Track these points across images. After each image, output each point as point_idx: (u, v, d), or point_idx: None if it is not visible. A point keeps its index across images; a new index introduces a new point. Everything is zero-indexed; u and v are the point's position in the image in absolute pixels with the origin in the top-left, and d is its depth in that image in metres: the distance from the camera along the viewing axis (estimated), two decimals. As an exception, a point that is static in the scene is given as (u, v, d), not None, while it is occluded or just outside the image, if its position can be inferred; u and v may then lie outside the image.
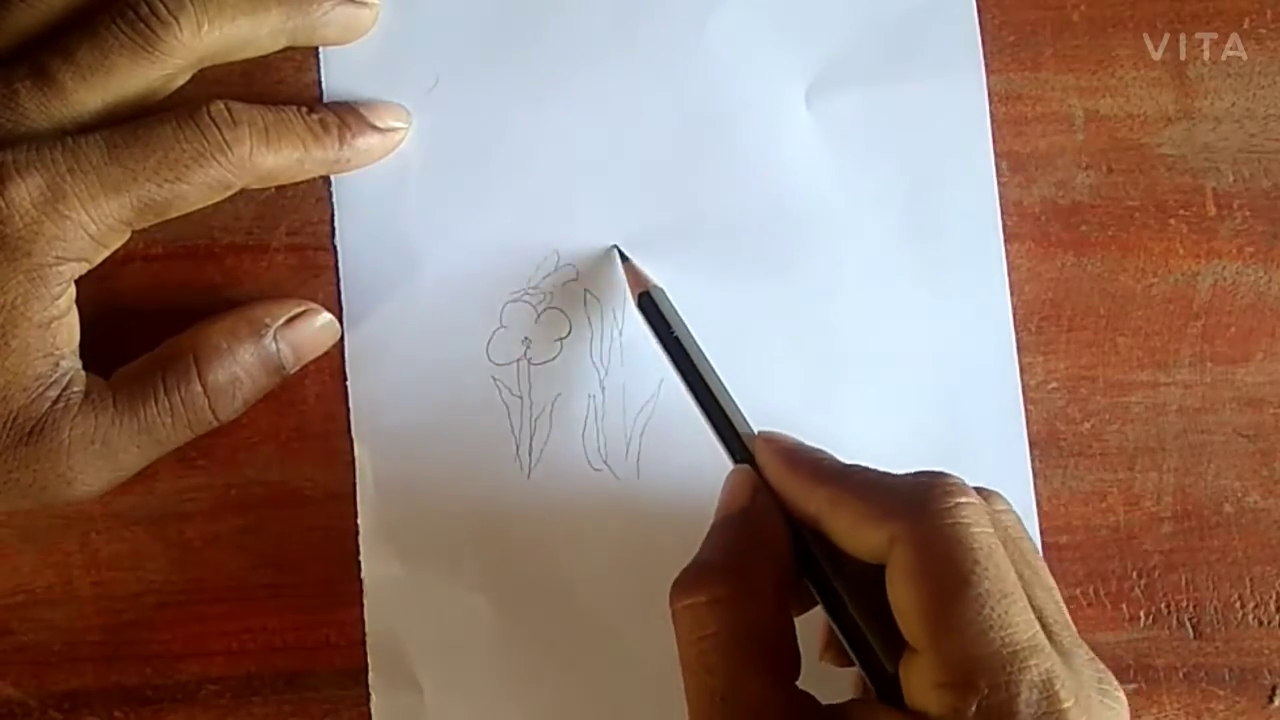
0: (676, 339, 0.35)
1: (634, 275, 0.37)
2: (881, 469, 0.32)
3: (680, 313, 0.36)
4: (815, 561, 0.31)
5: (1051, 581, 0.31)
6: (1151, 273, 0.39)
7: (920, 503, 0.29)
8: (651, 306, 0.36)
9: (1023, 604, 0.28)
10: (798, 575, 0.32)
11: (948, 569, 0.28)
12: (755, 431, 0.34)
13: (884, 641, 0.30)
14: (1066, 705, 0.27)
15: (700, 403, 0.35)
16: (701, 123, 0.39)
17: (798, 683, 0.30)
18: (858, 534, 0.30)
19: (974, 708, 0.27)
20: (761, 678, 0.29)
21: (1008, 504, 0.32)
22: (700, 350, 0.35)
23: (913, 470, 0.31)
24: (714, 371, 0.35)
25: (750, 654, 0.29)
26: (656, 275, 0.38)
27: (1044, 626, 0.29)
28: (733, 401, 0.35)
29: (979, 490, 0.31)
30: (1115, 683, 0.29)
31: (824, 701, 0.30)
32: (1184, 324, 0.39)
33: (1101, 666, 0.29)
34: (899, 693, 0.29)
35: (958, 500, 0.29)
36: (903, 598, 0.29)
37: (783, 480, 0.32)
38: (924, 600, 0.28)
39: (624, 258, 0.38)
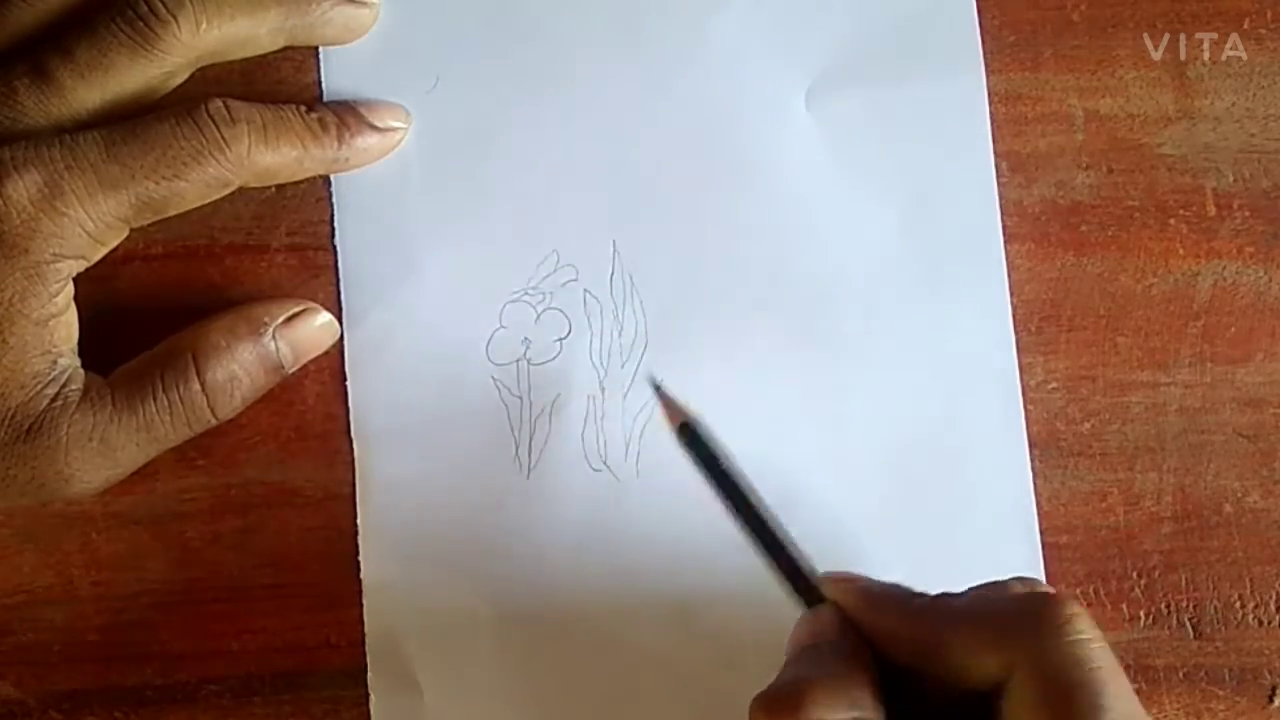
0: (724, 473, 0.33)
1: (671, 407, 0.35)
2: (975, 592, 0.31)
3: (720, 442, 0.34)
4: (903, 704, 0.30)
5: None
6: (1151, 273, 0.39)
7: (1037, 622, 0.29)
8: (694, 440, 0.34)
9: None
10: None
11: (1077, 694, 0.27)
12: (819, 571, 0.32)
13: None
14: None
15: (756, 540, 0.33)
16: (702, 123, 0.39)
17: None
18: (969, 664, 0.29)
19: None
20: None
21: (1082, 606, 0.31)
22: (750, 484, 0.33)
23: (995, 581, 0.31)
24: (766, 506, 0.33)
25: None
26: (656, 275, 0.38)
27: None
28: (789, 536, 0.33)
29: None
30: None
31: None
32: (1184, 324, 0.39)
33: None
34: None
35: (1072, 613, 0.29)
36: None
37: (872, 622, 0.31)
38: None
39: (658, 388, 0.35)
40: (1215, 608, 0.39)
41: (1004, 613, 0.30)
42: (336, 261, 0.38)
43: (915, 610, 0.31)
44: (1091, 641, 0.28)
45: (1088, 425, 0.39)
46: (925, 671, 0.30)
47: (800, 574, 0.32)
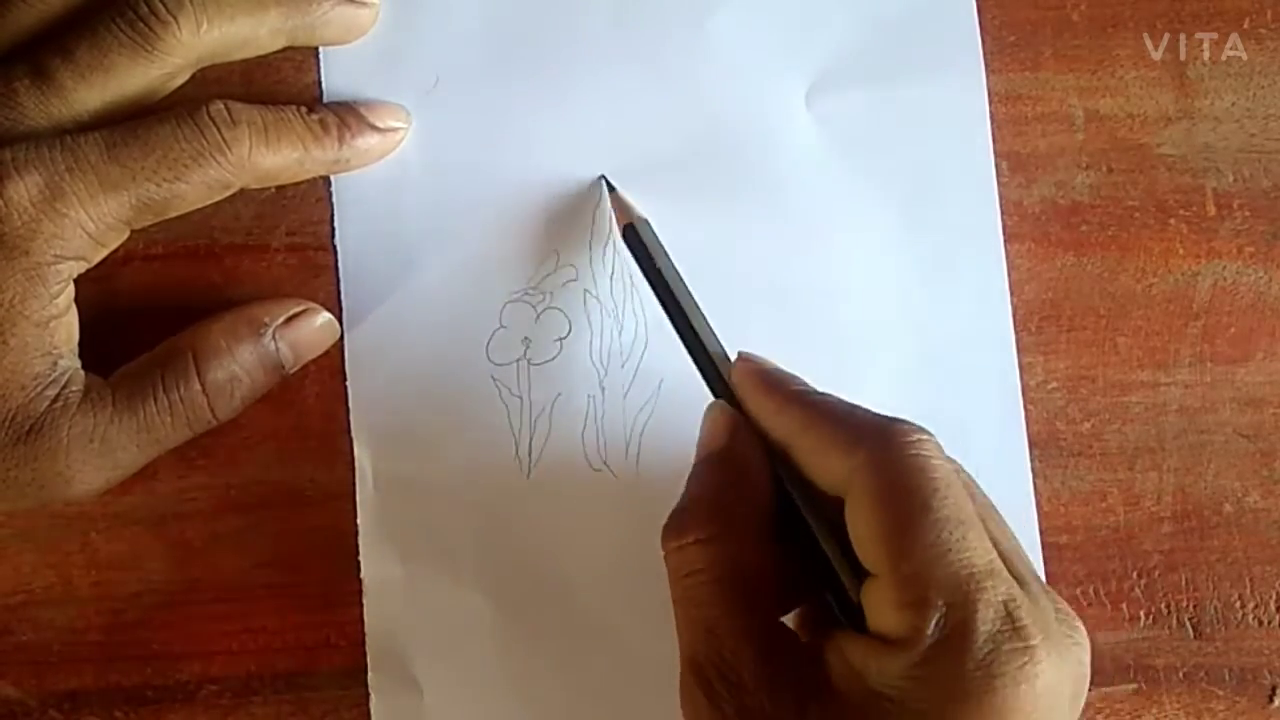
0: (659, 270, 0.35)
1: (621, 207, 0.37)
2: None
3: (666, 247, 0.36)
4: (785, 490, 0.32)
5: (1007, 524, 0.32)
6: (1151, 273, 0.39)
7: (884, 433, 0.30)
8: (635, 239, 0.36)
9: (979, 532, 0.29)
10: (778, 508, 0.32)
11: (908, 495, 0.29)
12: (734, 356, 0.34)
13: (850, 571, 0.31)
14: (1024, 624, 0.28)
15: (680, 334, 0.35)
16: (702, 123, 0.39)
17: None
18: (823, 461, 0.31)
19: (932, 625, 0.28)
20: (744, 611, 0.30)
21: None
22: (683, 284, 0.35)
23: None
24: (696, 305, 0.35)
25: (734, 589, 0.30)
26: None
27: (1001, 558, 0.29)
28: (713, 333, 0.35)
29: None
30: (1074, 615, 0.30)
31: None
32: (1184, 324, 0.39)
33: (1060, 601, 0.30)
34: (863, 622, 0.30)
35: (919, 436, 0.30)
36: (862, 523, 0.29)
37: (756, 402, 0.33)
38: (884, 525, 0.29)
39: (611, 188, 0.38)
40: (1215, 608, 0.39)
41: (860, 421, 0.31)
42: (336, 261, 0.38)
43: (795, 399, 0.32)
44: (932, 458, 0.30)
45: (1088, 425, 0.39)
46: (795, 463, 0.32)
47: (713, 363, 0.34)
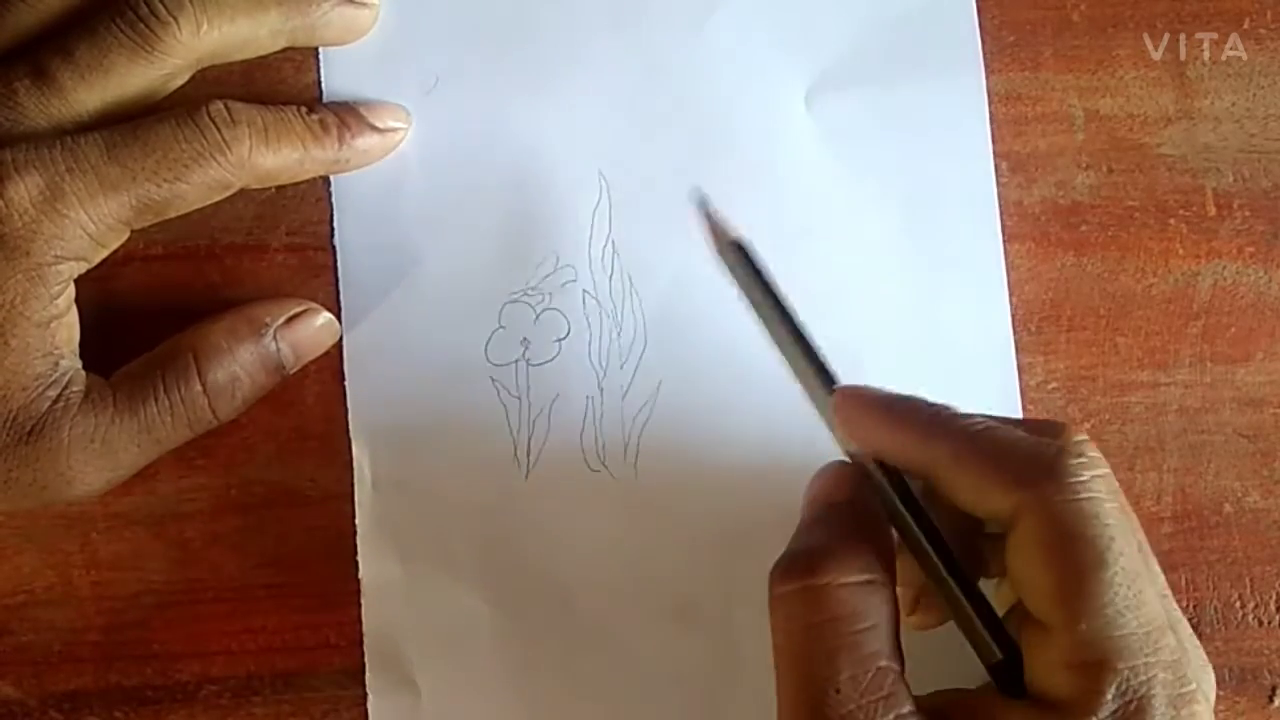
0: (774, 294, 0.32)
1: (718, 226, 0.33)
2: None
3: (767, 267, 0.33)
4: (921, 538, 0.30)
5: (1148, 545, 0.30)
6: (1151, 273, 0.39)
7: (1050, 470, 0.28)
8: (744, 258, 0.32)
9: (1151, 584, 0.28)
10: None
11: (1082, 546, 0.27)
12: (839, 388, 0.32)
13: (987, 617, 0.29)
14: (1191, 688, 0.27)
15: (796, 361, 0.32)
16: (701, 124, 0.39)
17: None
18: (978, 496, 0.29)
19: (1112, 690, 0.27)
20: (883, 669, 0.28)
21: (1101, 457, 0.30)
22: (794, 306, 0.33)
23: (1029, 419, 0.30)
24: (809, 330, 0.32)
25: (871, 643, 0.28)
26: (655, 275, 0.38)
27: None
28: (830, 363, 0.32)
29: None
30: (1205, 656, 0.29)
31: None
32: (1184, 324, 0.39)
33: (1196, 639, 0.29)
34: (1002, 675, 0.29)
35: (1091, 473, 0.28)
36: (1032, 573, 0.28)
37: (890, 436, 0.30)
38: (1058, 578, 0.28)
39: (705, 209, 0.33)
40: (1215, 608, 0.39)
41: (1019, 456, 0.29)
42: (336, 261, 0.38)
43: (940, 428, 0.30)
44: (1105, 499, 0.28)
45: (1088, 425, 0.39)
46: (939, 496, 0.30)
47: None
